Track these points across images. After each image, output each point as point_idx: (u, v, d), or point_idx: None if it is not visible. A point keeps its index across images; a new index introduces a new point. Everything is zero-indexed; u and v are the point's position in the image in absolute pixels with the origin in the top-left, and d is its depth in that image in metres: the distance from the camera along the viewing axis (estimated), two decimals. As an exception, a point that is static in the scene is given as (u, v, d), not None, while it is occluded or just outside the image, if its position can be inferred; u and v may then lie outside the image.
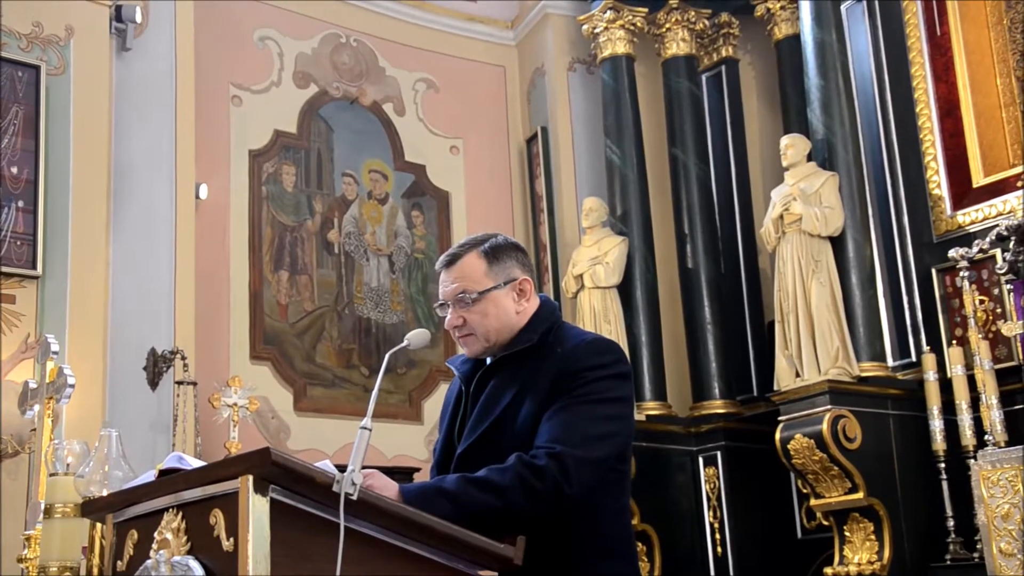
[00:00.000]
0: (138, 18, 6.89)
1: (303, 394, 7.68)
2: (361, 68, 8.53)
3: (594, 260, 7.44)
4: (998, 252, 5.74)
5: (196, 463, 2.14)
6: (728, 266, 7.72)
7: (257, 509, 1.83)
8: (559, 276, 8.00)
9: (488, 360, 2.48)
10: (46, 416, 3.91)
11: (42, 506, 3.27)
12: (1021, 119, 6.16)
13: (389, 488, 2.15)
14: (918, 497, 5.87)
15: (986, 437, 5.38)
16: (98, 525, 2.73)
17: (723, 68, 8.09)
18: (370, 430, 2.05)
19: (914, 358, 6.30)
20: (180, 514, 2.01)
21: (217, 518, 1.90)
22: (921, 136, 6.50)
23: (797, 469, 5.93)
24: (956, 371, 5.74)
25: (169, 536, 2.01)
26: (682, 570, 6.94)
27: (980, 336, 5.63)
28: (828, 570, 5.89)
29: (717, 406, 7.24)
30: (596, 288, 7.40)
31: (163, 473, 2.17)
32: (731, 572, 6.84)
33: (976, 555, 5.47)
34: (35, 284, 6.12)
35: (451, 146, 8.80)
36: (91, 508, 2.49)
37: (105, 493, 2.66)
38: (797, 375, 6.14)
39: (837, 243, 6.29)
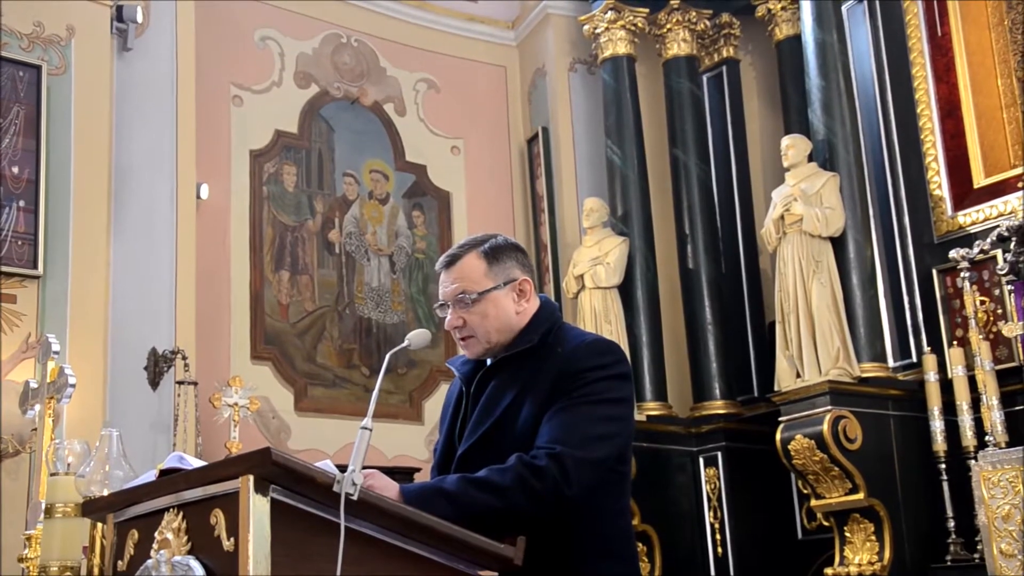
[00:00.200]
0: (139, 18, 6.89)
1: (304, 394, 7.68)
2: (362, 68, 8.53)
3: (595, 260, 7.44)
4: (999, 253, 5.74)
5: (197, 463, 2.14)
6: (729, 266, 7.72)
7: (258, 509, 1.83)
8: (560, 276, 8.00)
9: (488, 361, 2.48)
10: (47, 416, 3.91)
11: (43, 506, 3.27)
12: (1022, 120, 6.15)
13: (389, 488, 2.15)
14: (919, 498, 5.87)
15: (987, 438, 5.38)
16: (99, 525, 2.73)
17: (724, 68, 8.09)
18: (371, 430, 2.05)
19: (915, 359, 6.30)
20: (181, 514, 2.02)
21: (218, 518, 1.91)
22: (922, 137, 6.50)
23: (798, 470, 5.93)
24: (957, 372, 5.74)
25: (170, 536, 2.01)
26: (682, 570, 6.94)
27: (981, 337, 5.62)
28: (828, 571, 5.89)
29: (718, 406, 7.24)
30: (597, 288, 7.40)
31: (164, 473, 2.17)
32: (731, 572, 6.83)
33: (977, 556, 5.47)
34: (36, 284, 6.12)
35: (452, 146, 8.80)
36: (92, 508, 2.49)
37: (106, 493, 2.66)
38: (798, 376, 6.13)
39: (838, 244, 6.29)
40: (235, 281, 7.53)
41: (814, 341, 6.11)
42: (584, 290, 7.45)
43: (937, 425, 5.81)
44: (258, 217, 7.76)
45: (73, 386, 3.88)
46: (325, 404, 7.73)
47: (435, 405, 7.81)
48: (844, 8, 6.90)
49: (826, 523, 6.15)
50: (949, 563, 5.65)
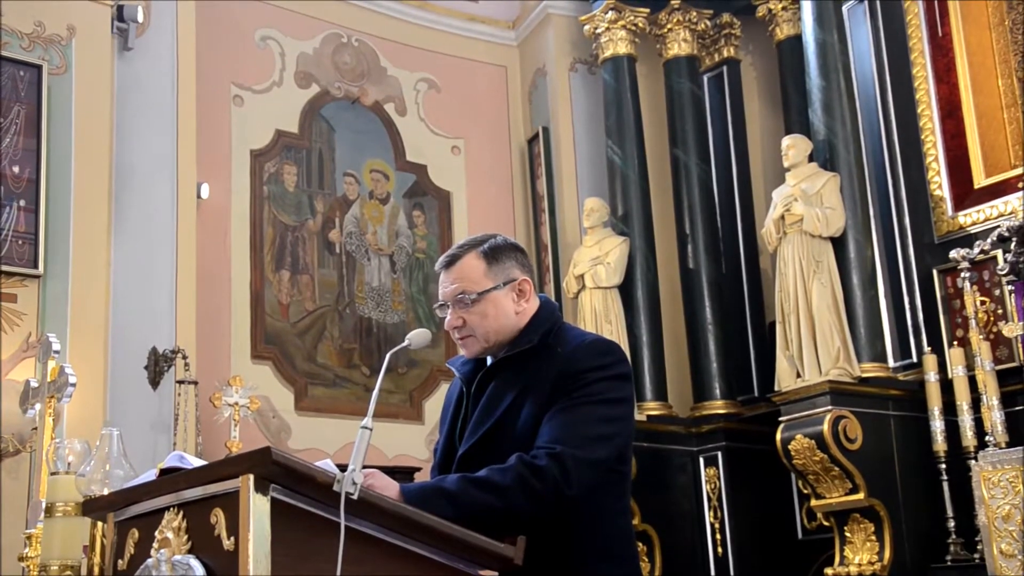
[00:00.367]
0: (140, 18, 6.89)
1: (304, 394, 7.69)
2: (362, 68, 8.53)
3: (595, 260, 7.44)
4: (999, 253, 5.74)
5: (197, 462, 2.14)
6: (729, 266, 7.72)
7: (258, 508, 1.83)
8: (560, 276, 8.01)
9: (489, 361, 2.49)
10: (47, 415, 3.91)
11: (43, 505, 3.27)
12: (1022, 120, 6.15)
13: (390, 488, 2.15)
14: (919, 498, 5.87)
15: (987, 438, 5.38)
16: (99, 524, 2.73)
17: (724, 68, 8.09)
18: (371, 430, 2.05)
19: (915, 359, 6.30)
20: (181, 513, 2.02)
21: (218, 517, 1.91)
22: (922, 137, 6.50)
23: (798, 470, 5.93)
24: (957, 372, 5.74)
25: (170, 535, 2.01)
26: (682, 570, 6.94)
27: (981, 337, 5.62)
28: (828, 571, 5.89)
29: (718, 406, 7.24)
30: (597, 288, 7.40)
31: (164, 472, 2.17)
32: (731, 572, 6.83)
33: (977, 556, 5.47)
34: (36, 283, 6.12)
35: (452, 146, 8.80)
36: (92, 507, 2.50)
37: (106, 492, 2.66)
38: (798, 375, 6.13)
39: (838, 244, 6.29)
40: (235, 281, 7.54)
41: (814, 341, 6.11)
42: (584, 290, 7.45)
43: (937, 425, 5.81)
44: (259, 217, 7.76)
45: (73, 385, 3.88)
46: (325, 404, 7.73)
47: (435, 405, 7.81)
48: (845, 8, 6.90)
49: (826, 523, 6.15)
50: (949, 563, 5.65)
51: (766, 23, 7.70)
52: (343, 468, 1.93)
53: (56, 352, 4.05)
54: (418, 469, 7.22)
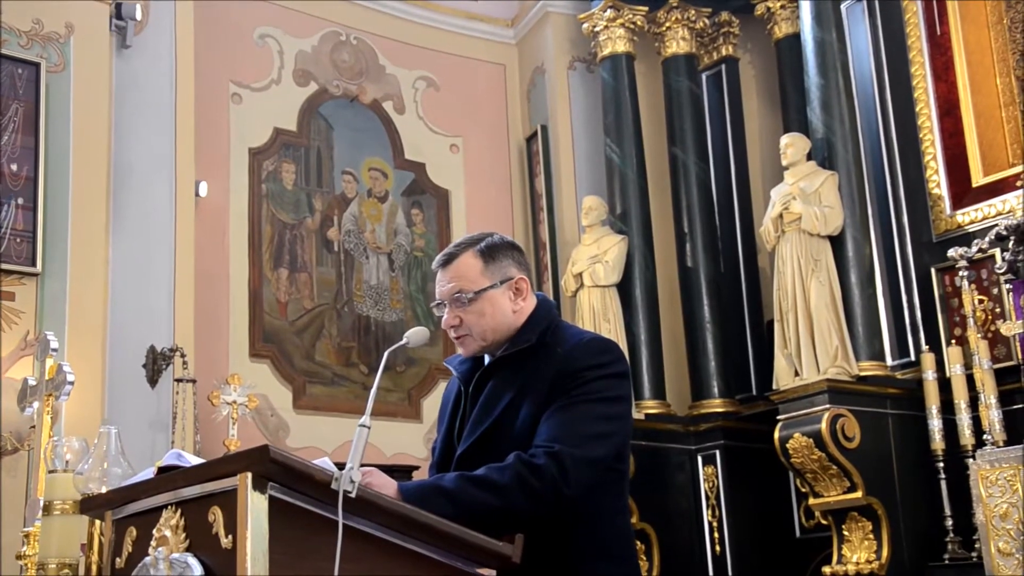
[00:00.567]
0: (138, 15, 6.89)
1: (302, 392, 7.69)
2: (361, 66, 8.53)
3: (593, 259, 7.44)
4: (997, 252, 5.74)
5: (195, 460, 2.14)
6: (727, 265, 7.72)
7: (256, 507, 1.83)
8: (558, 275, 8.01)
9: (486, 360, 2.48)
10: (45, 413, 3.91)
11: (41, 503, 3.27)
12: (1021, 119, 6.15)
13: (388, 486, 2.15)
14: (917, 496, 5.87)
15: (985, 436, 5.38)
16: (97, 522, 2.73)
17: (723, 67, 8.09)
18: (369, 428, 2.05)
19: (913, 357, 6.30)
20: (179, 511, 2.01)
21: (216, 515, 1.91)
22: (921, 135, 6.50)
23: (796, 468, 5.94)
24: (955, 370, 5.74)
25: (168, 533, 2.01)
26: (681, 569, 6.94)
27: (979, 336, 5.62)
28: (826, 569, 5.90)
29: (716, 405, 7.25)
30: (595, 287, 7.40)
31: (162, 470, 2.17)
32: (729, 571, 6.84)
33: (974, 554, 5.47)
34: (35, 281, 6.12)
35: (451, 144, 8.80)
36: (90, 505, 2.49)
37: (104, 490, 2.66)
38: (796, 374, 6.14)
39: (836, 242, 6.29)
40: (234, 279, 7.54)
41: (812, 340, 6.11)
42: (583, 288, 7.45)
43: (935, 424, 5.81)
44: (257, 215, 7.76)
45: (71, 383, 3.88)
46: (323, 402, 7.73)
47: (433, 403, 7.81)
48: (843, 7, 6.90)
49: (824, 521, 6.16)
50: (947, 561, 5.66)
51: (764, 22, 7.70)
52: (341, 466, 1.93)
53: (54, 350, 4.05)
54: (416, 467, 7.23)
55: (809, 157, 6.53)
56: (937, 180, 6.38)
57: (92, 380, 6.11)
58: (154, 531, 2.05)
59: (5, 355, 5.93)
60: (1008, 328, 5.55)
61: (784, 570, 6.80)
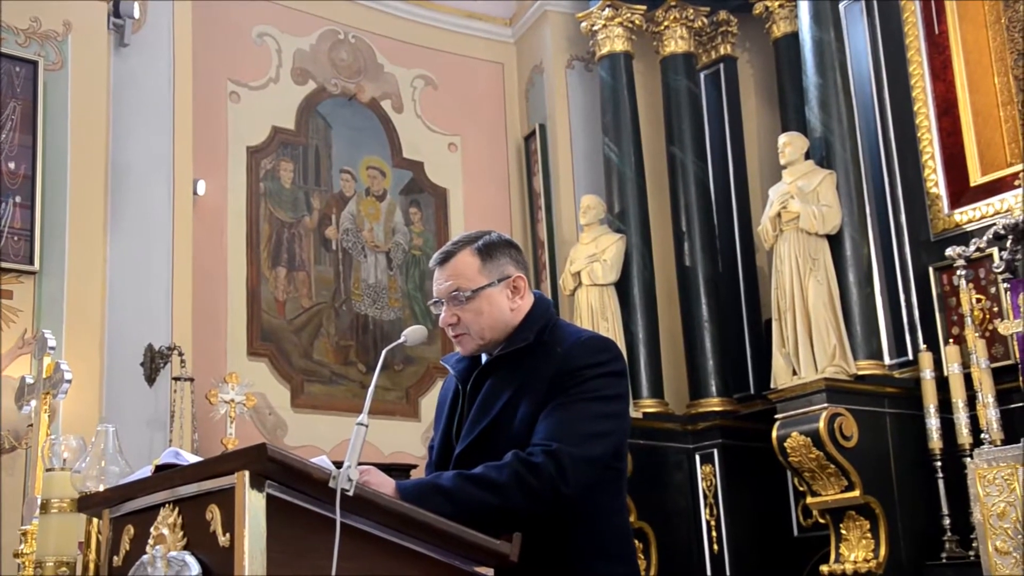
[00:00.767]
0: (136, 14, 6.88)
1: (300, 390, 7.68)
2: (359, 65, 8.53)
3: (592, 258, 7.44)
4: (995, 251, 5.74)
5: (193, 459, 2.14)
6: (725, 264, 7.72)
7: (253, 505, 1.83)
8: (557, 273, 8.00)
9: (484, 359, 2.48)
10: (43, 411, 3.91)
11: (38, 501, 3.27)
12: (1019, 118, 6.16)
13: (385, 484, 2.15)
14: (914, 495, 5.88)
15: (982, 435, 5.38)
16: (94, 520, 2.73)
17: (721, 66, 8.09)
18: (367, 426, 2.05)
19: (911, 356, 6.31)
20: (176, 510, 2.01)
21: (213, 514, 1.90)
22: (919, 135, 6.50)
23: (794, 467, 5.94)
24: (953, 369, 5.74)
25: (165, 531, 2.01)
26: (678, 568, 6.94)
27: (977, 335, 5.63)
28: (824, 568, 5.90)
29: (714, 404, 7.25)
30: (593, 286, 7.40)
31: (159, 469, 2.17)
32: (727, 570, 6.84)
33: (972, 553, 5.47)
34: (32, 280, 6.11)
35: (449, 143, 8.79)
36: (87, 503, 2.49)
37: (101, 488, 2.66)
38: (794, 373, 6.14)
39: (834, 241, 6.29)
40: (232, 277, 7.53)
41: (810, 338, 6.12)
42: (581, 287, 7.45)
43: (933, 423, 5.82)
44: (255, 213, 7.75)
45: (69, 382, 3.88)
46: (321, 400, 7.73)
47: (431, 402, 7.79)
48: (841, 6, 6.90)
49: (822, 520, 6.15)
50: (944, 560, 5.66)
51: (763, 21, 7.70)
52: (339, 465, 1.93)
53: (52, 348, 4.05)
54: (414, 466, 7.22)
55: (807, 156, 6.53)
56: (935, 179, 6.39)
57: (90, 378, 6.10)
58: (152, 529, 2.05)
59: (3, 353, 5.92)
60: (1006, 327, 5.55)
61: (782, 569, 6.80)
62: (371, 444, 7.25)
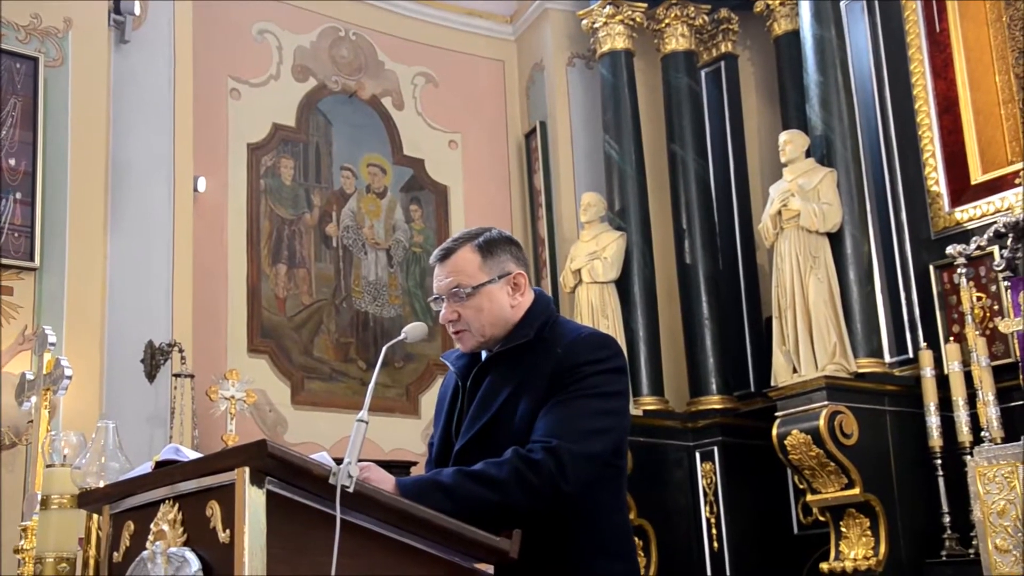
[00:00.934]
0: (136, 11, 6.88)
1: (300, 387, 7.68)
2: (360, 62, 8.52)
3: (592, 255, 7.44)
4: (996, 249, 5.74)
5: (193, 455, 2.14)
6: (726, 262, 7.72)
7: (253, 501, 1.83)
8: (557, 271, 8.01)
9: (484, 355, 2.48)
10: (43, 407, 3.91)
11: (39, 497, 3.27)
12: (1020, 116, 6.16)
13: (385, 481, 2.14)
14: (914, 493, 5.88)
15: (982, 433, 5.38)
16: (94, 516, 2.73)
17: (722, 64, 8.08)
18: (367, 423, 2.05)
19: (911, 354, 6.30)
20: (176, 506, 2.01)
21: (213, 510, 1.91)
22: (920, 133, 6.50)
23: (794, 465, 5.94)
24: (953, 368, 5.74)
25: (165, 527, 2.01)
26: (678, 565, 6.95)
27: (977, 333, 5.63)
28: (824, 566, 5.90)
29: (714, 401, 7.25)
30: (594, 283, 7.40)
31: (159, 465, 2.17)
32: (727, 567, 6.84)
33: (972, 551, 5.47)
34: (33, 276, 6.11)
35: (450, 140, 8.79)
36: (88, 499, 2.49)
37: (102, 484, 2.66)
38: (794, 371, 6.14)
39: (835, 239, 6.29)
40: (232, 274, 7.53)
41: (811, 336, 6.12)
42: (581, 285, 7.45)
43: (933, 421, 5.81)
44: (255, 210, 7.75)
45: (69, 378, 3.88)
46: (322, 397, 7.73)
47: (432, 399, 7.80)
48: (843, 4, 6.90)
49: (822, 518, 6.16)
50: (944, 558, 5.66)
51: (764, 18, 7.69)
52: (339, 461, 1.93)
53: (52, 345, 4.05)
54: (414, 463, 7.23)
55: (808, 154, 6.53)
56: (936, 177, 6.38)
57: (90, 375, 6.10)
58: (152, 525, 2.05)
59: (3, 349, 5.92)
60: (1006, 325, 5.55)
61: (782, 567, 6.80)
62: (371, 441, 7.26)
